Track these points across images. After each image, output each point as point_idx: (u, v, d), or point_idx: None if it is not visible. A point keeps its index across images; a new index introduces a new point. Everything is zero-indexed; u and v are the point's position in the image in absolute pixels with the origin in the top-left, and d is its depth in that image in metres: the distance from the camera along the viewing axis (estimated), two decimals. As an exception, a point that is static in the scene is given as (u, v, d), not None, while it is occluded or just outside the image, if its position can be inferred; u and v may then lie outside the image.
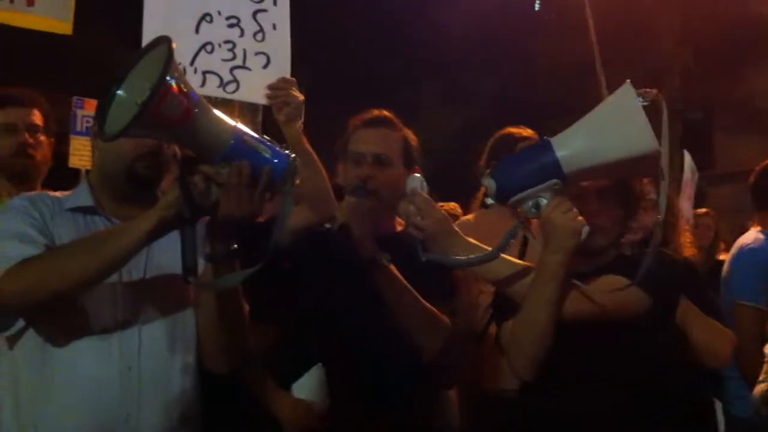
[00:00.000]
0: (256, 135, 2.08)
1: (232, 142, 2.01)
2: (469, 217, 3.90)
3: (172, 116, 1.90)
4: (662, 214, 2.11)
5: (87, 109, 11.84)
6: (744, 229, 4.24)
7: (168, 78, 1.87)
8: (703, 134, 19.32)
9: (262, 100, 3.00)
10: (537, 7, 20.87)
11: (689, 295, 2.80)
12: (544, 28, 17.44)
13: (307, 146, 2.83)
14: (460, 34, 17.50)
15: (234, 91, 3.03)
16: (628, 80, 2.02)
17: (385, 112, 2.84)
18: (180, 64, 2.80)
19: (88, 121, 11.41)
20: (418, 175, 2.42)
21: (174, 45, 1.92)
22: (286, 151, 2.11)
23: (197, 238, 2.11)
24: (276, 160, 2.07)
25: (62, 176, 5.08)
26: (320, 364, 2.69)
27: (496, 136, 3.80)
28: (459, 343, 2.83)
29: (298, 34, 3.12)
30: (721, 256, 7.23)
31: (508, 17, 17.64)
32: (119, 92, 1.99)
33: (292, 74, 3.04)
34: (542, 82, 17.89)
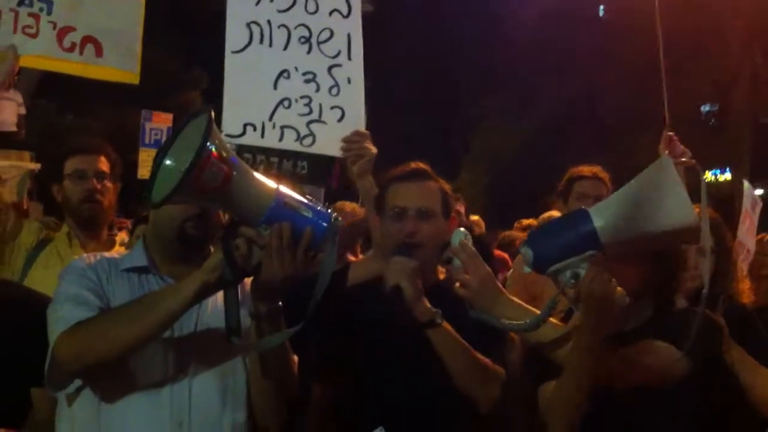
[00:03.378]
0: (298, 196, 2.10)
1: (273, 204, 2.04)
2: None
3: (212, 183, 1.95)
4: (707, 287, 2.07)
5: (155, 122, 12.27)
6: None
7: (208, 145, 1.91)
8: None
9: (337, 153, 3.05)
10: (602, 12, 20.53)
11: (747, 346, 2.74)
12: (610, 34, 17.16)
13: None
14: (525, 41, 17.35)
15: (311, 145, 3.12)
16: (666, 152, 1.98)
17: (421, 164, 2.80)
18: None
19: (156, 134, 11.83)
20: (462, 229, 2.40)
21: (212, 114, 1.97)
22: (328, 211, 2.13)
23: (242, 298, 2.14)
24: (317, 220, 2.09)
25: (133, 186, 5.19)
26: (381, 427, 2.58)
27: (567, 175, 3.78)
28: (516, 392, 2.79)
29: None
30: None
31: (573, 22, 17.43)
32: (165, 161, 2.05)
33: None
34: (610, 88, 17.63)
